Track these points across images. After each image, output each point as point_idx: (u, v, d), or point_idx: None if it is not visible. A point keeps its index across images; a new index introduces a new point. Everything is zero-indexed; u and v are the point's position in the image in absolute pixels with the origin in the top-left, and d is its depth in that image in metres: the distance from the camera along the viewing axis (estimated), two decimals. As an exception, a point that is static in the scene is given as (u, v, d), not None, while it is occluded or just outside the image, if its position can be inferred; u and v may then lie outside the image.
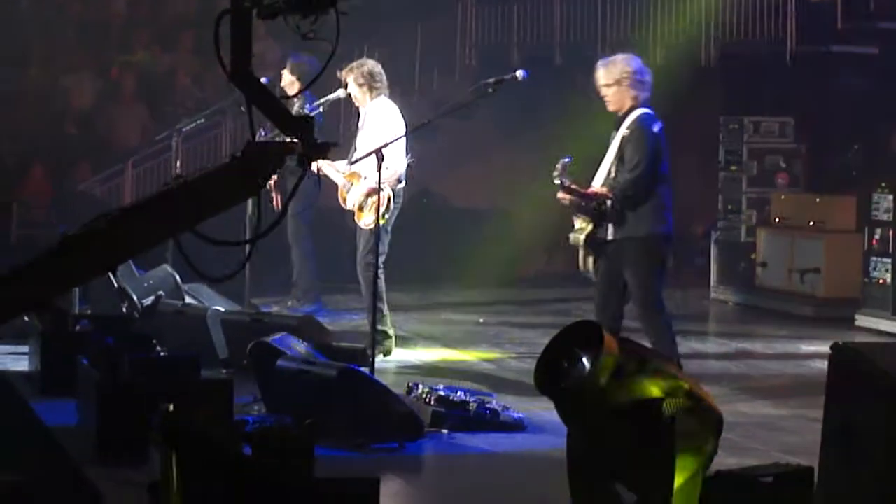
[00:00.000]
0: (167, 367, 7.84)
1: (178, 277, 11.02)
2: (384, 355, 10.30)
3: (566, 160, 8.70)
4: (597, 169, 8.90)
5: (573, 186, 8.70)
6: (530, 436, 8.02)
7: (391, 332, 10.62)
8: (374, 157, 9.39)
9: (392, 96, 10.92)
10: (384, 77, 10.69)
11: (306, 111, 10.53)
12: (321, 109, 11.13)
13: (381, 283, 9.99)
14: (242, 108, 7.81)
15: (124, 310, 10.65)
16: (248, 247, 5.60)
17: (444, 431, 7.95)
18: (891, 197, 12.88)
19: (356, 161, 10.38)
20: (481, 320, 13.11)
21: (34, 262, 4.97)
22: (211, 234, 5.15)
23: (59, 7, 17.46)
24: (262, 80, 5.36)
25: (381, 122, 10.46)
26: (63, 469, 6.71)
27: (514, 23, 17.50)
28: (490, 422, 8.08)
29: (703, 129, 15.76)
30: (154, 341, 8.43)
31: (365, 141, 10.44)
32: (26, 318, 9.09)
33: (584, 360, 5.69)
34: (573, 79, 15.45)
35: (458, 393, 8.24)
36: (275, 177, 10.70)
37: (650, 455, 5.64)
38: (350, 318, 12.39)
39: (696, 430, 5.68)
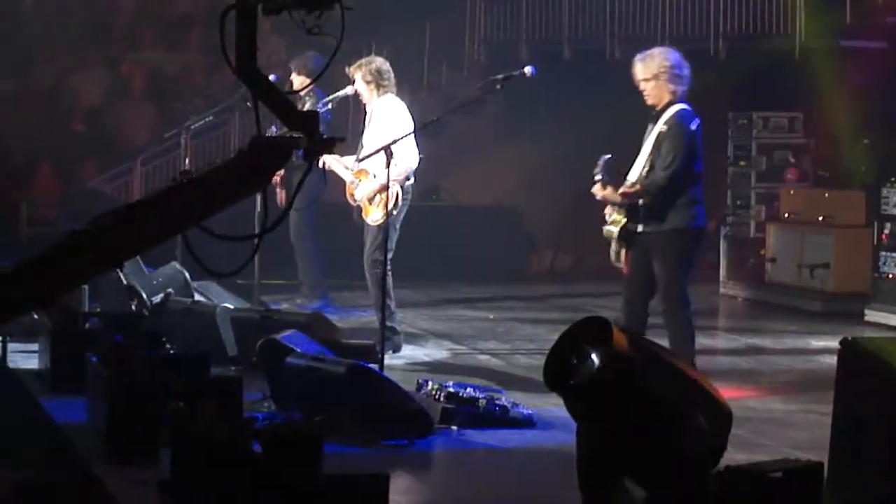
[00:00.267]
0: (176, 365, 7.81)
1: (187, 275, 11.01)
2: (393, 352, 10.30)
3: (607, 157, 8.70)
4: (631, 164, 8.87)
5: (608, 190, 8.69)
6: (540, 432, 7.99)
7: (400, 328, 10.64)
8: (383, 154, 9.40)
9: (400, 93, 10.91)
10: (392, 75, 10.68)
11: (319, 108, 10.53)
12: (330, 106, 11.14)
13: (389, 279, 9.99)
14: (249, 105, 7.83)
15: (134, 307, 10.64)
16: (255, 241, 5.58)
17: (454, 428, 7.94)
18: (900, 192, 12.88)
19: (365, 158, 10.38)
20: (491, 316, 13.11)
21: (41, 259, 4.96)
22: (217, 231, 5.16)
23: (63, 5, 17.46)
24: (271, 77, 5.35)
25: (389, 119, 10.45)
26: (72, 467, 6.72)
27: (522, 18, 17.48)
28: (499, 418, 8.06)
29: (711, 124, 15.70)
30: (163, 339, 8.42)
31: (372, 138, 10.43)
32: (36, 316, 9.09)
33: (593, 356, 5.68)
34: (581, 74, 15.43)
35: (468, 389, 8.22)
36: (280, 172, 10.81)
37: (660, 451, 5.63)
38: (359, 315, 12.38)
39: (706, 426, 5.68)
